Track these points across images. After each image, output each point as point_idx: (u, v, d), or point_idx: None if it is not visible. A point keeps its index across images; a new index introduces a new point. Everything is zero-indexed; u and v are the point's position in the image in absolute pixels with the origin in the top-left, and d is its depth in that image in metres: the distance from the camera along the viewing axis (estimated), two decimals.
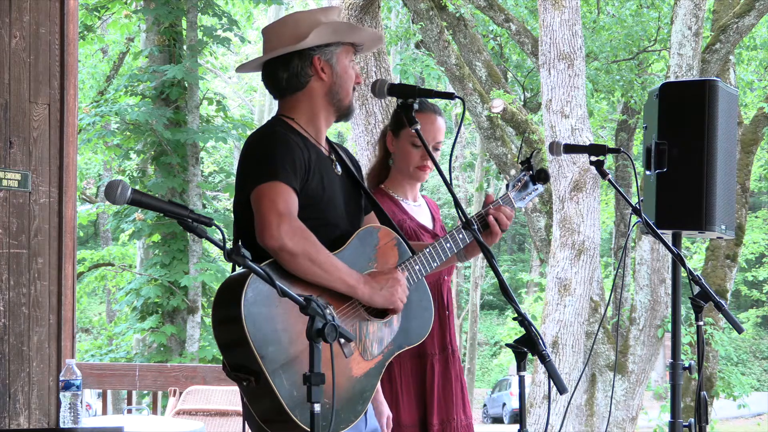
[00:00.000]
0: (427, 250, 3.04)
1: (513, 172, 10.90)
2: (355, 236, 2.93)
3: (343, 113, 3.05)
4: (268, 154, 2.84)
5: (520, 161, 3.34)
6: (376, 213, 3.14)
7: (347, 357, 2.82)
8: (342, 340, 2.78)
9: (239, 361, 2.69)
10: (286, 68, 2.96)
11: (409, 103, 2.98)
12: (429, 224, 3.66)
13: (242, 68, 3.17)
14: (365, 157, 8.59)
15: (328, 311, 2.74)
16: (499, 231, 3.17)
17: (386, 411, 3.39)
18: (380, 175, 3.69)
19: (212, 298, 13.54)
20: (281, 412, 2.65)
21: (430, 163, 3.56)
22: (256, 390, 2.67)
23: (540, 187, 3.34)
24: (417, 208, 3.67)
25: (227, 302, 2.69)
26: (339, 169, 3.04)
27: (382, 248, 2.98)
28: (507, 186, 3.33)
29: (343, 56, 3.00)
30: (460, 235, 3.10)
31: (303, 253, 2.73)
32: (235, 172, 16.85)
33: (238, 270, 2.69)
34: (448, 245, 3.09)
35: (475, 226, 2.99)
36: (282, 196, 2.78)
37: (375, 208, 3.14)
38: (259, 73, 3.08)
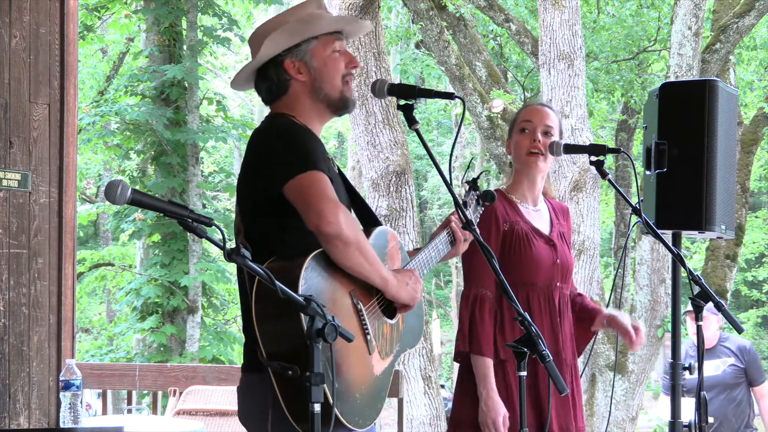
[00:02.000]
0: (422, 255, 3.06)
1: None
2: (373, 235, 2.92)
3: (338, 107, 2.98)
4: (298, 145, 2.79)
5: (465, 181, 3.34)
6: (357, 207, 3.12)
7: (371, 354, 2.82)
8: (368, 337, 2.79)
9: (284, 349, 2.63)
10: (263, 79, 2.94)
11: (409, 104, 2.97)
12: (545, 229, 3.66)
13: (234, 85, 3.11)
14: (365, 157, 8.59)
15: (358, 307, 2.75)
16: (461, 238, 3.17)
17: (503, 410, 3.42)
18: None
19: (212, 299, 13.59)
20: (324, 404, 2.58)
21: (540, 144, 3.59)
22: (298, 380, 2.56)
23: (481, 209, 3.36)
24: (535, 212, 3.69)
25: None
26: (336, 167, 3.05)
27: (390, 251, 2.99)
28: (465, 205, 3.28)
29: (320, 50, 2.93)
30: (450, 237, 3.12)
31: (355, 242, 2.72)
32: (235, 172, 16.76)
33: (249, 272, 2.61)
34: (441, 246, 3.12)
35: (475, 226, 2.99)
36: (328, 185, 2.75)
37: (360, 203, 3.13)
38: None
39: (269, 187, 2.79)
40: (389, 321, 2.93)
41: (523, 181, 3.68)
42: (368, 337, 2.80)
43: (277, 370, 2.63)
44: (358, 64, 3.02)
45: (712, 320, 6.42)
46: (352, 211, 3.11)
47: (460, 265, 4.16)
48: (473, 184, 3.28)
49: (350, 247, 2.71)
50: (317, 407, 2.44)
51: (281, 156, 2.78)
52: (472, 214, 3.28)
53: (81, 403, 4.19)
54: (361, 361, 2.77)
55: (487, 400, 3.42)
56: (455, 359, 3.62)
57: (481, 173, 3.50)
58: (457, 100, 2.96)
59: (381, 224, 3.05)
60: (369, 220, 3.09)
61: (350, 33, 3.06)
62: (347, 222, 2.71)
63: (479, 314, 3.50)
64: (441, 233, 3.17)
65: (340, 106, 2.98)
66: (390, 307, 2.93)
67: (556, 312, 3.60)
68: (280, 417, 2.69)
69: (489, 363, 3.46)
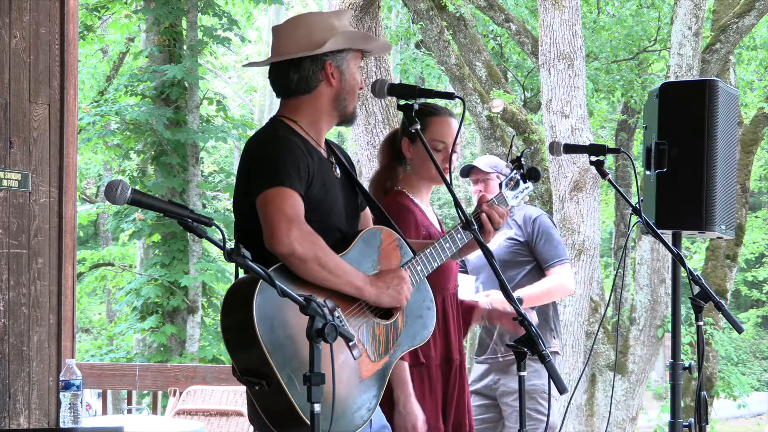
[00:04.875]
0: (428, 250, 3.06)
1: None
2: (359, 238, 2.93)
3: (347, 119, 3.06)
4: (273, 159, 2.84)
5: (510, 159, 3.34)
6: (373, 210, 3.14)
7: (356, 359, 2.82)
8: (350, 343, 2.79)
9: (250, 365, 2.69)
10: (297, 70, 2.96)
11: (409, 104, 2.98)
12: (439, 229, 3.62)
13: (252, 65, 3.19)
14: (365, 157, 8.59)
15: (336, 314, 2.75)
16: (491, 229, 3.17)
17: (421, 414, 3.35)
18: (388, 179, 3.60)
19: (212, 298, 13.59)
20: (294, 415, 2.65)
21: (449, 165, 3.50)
22: (268, 394, 2.66)
23: (530, 186, 3.34)
24: (430, 213, 3.65)
25: (238, 306, 2.69)
26: (338, 171, 3.05)
27: (385, 249, 2.99)
28: (500, 185, 3.34)
29: (352, 62, 3.02)
30: (459, 235, 3.12)
31: (313, 258, 2.74)
32: (235, 172, 16.82)
33: (246, 273, 2.67)
34: (448, 245, 3.11)
35: (475, 226, 2.99)
36: (289, 201, 2.78)
37: (371, 205, 3.15)
38: (259, 73, 3.07)
39: (249, 195, 2.86)
40: (384, 322, 2.92)
41: (422, 185, 3.58)
42: (350, 344, 2.79)
43: (248, 384, 2.72)
44: (364, 86, 3.11)
45: (491, 178, 4.78)
46: (363, 212, 3.13)
47: None
48: (517, 162, 3.28)
49: (307, 263, 2.73)
50: (317, 407, 2.44)
51: (256, 169, 2.86)
52: (516, 194, 3.27)
53: (81, 403, 4.19)
54: (342, 368, 2.77)
55: (405, 403, 3.31)
56: None
57: (525, 150, 3.48)
58: (457, 100, 2.97)
59: (391, 222, 3.06)
60: (381, 221, 3.11)
61: (372, 54, 3.17)
62: (302, 240, 2.73)
63: None
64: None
65: (349, 119, 3.07)
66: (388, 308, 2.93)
67: (459, 314, 3.56)
68: (263, 424, 2.77)
69: (406, 366, 3.33)
